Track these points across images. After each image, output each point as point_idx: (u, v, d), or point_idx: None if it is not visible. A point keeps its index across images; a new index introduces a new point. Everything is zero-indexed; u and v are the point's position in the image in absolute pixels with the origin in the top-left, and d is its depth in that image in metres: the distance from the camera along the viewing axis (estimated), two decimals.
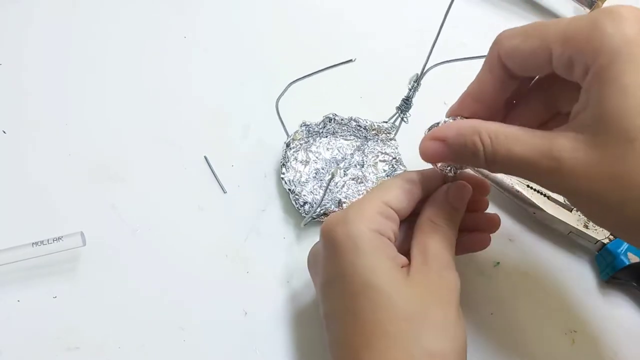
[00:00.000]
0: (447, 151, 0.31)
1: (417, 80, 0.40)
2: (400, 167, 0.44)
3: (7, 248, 0.38)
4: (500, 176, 0.43)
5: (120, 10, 0.53)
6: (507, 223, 0.43)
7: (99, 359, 0.36)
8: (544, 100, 0.33)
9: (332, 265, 0.31)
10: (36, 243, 0.38)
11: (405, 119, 0.43)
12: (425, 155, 0.33)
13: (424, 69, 0.39)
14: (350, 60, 0.40)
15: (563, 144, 0.27)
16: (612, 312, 0.39)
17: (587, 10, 0.53)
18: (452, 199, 0.34)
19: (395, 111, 0.42)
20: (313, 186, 0.42)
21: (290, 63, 0.51)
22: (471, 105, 0.33)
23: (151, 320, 0.38)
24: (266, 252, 0.41)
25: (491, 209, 0.43)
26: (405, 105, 0.42)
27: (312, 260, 0.35)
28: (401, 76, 0.41)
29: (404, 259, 0.32)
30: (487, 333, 0.38)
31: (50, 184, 0.43)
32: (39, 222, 0.41)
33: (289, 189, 0.42)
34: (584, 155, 0.26)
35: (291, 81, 0.44)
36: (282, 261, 0.41)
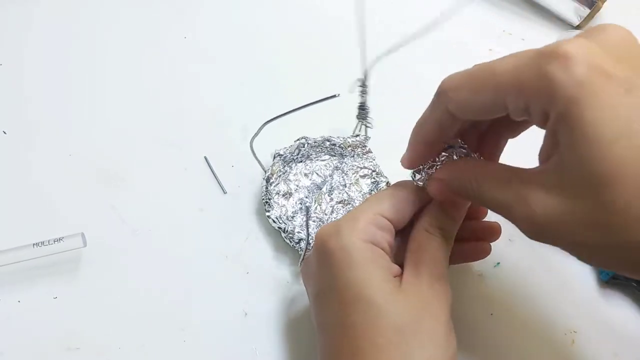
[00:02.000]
0: (448, 191, 0.32)
1: (363, 83, 0.40)
2: (382, 178, 0.43)
3: (8, 249, 0.38)
4: None
5: (121, 10, 0.53)
6: (507, 223, 0.43)
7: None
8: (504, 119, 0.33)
9: (325, 277, 0.31)
10: (37, 244, 0.38)
11: (368, 125, 0.42)
12: (434, 194, 0.33)
13: (365, 70, 0.39)
14: (334, 96, 0.40)
15: (535, 191, 0.26)
16: (612, 312, 0.39)
17: (587, 10, 0.53)
18: (449, 208, 0.33)
19: (356, 121, 0.42)
20: (302, 219, 0.41)
21: (290, 63, 0.51)
22: (425, 150, 0.33)
23: (151, 320, 0.38)
24: (266, 252, 0.41)
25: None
26: (362, 111, 0.42)
27: (305, 270, 0.35)
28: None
29: (397, 268, 0.31)
30: (487, 333, 0.38)
31: (50, 184, 0.43)
32: (39, 222, 0.41)
33: (279, 228, 0.40)
34: (557, 204, 0.25)
35: (268, 119, 0.42)
36: (282, 262, 0.41)
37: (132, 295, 0.39)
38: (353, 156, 0.44)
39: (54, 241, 0.38)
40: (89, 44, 0.51)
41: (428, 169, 0.33)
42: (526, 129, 0.33)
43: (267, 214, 0.40)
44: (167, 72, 0.49)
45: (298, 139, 0.43)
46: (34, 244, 0.38)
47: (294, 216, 0.41)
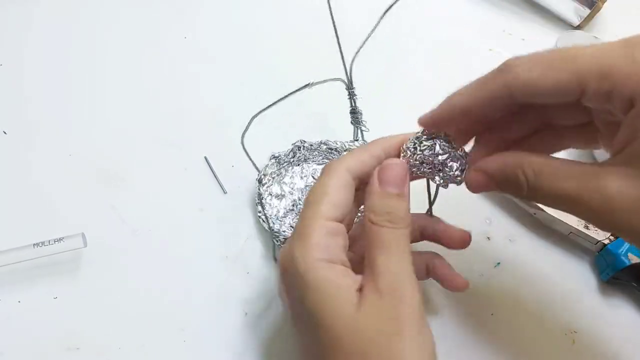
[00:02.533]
0: (491, 183, 0.30)
1: (349, 87, 0.39)
2: None
3: (8, 249, 0.38)
4: None
5: (121, 11, 0.53)
6: (507, 223, 0.43)
7: None
8: (536, 114, 0.32)
9: (290, 302, 0.30)
10: (37, 244, 0.38)
11: (364, 129, 0.42)
12: (472, 187, 0.31)
13: (348, 74, 0.38)
14: (307, 86, 0.38)
15: (613, 180, 0.25)
16: (612, 312, 0.39)
17: (587, 10, 0.53)
18: (386, 184, 0.30)
19: (353, 127, 0.42)
20: (292, 219, 0.41)
21: (291, 63, 0.51)
22: (456, 117, 0.31)
23: (151, 320, 0.38)
24: (266, 252, 0.41)
25: (492, 210, 0.44)
26: (354, 116, 0.41)
27: (279, 290, 0.33)
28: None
29: (358, 280, 0.29)
30: (487, 333, 0.38)
31: (51, 184, 0.43)
32: (40, 223, 0.41)
33: (269, 227, 0.40)
34: (636, 192, 0.25)
35: (257, 112, 0.40)
36: None
37: (132, 295, 0.39)
38: None
39: (55, 241, 0.38)
40: (89, 44, 0.51)
41: (412, 158, 0.31)
42: (563, 148, 0.32)
43: (258, 214, 0.41)
44: (167, 72, 0.49)
45: (295, 142, 0.43)
46: (34, 244, 0.38)
47: (285, 216, 0.41)
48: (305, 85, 0.37)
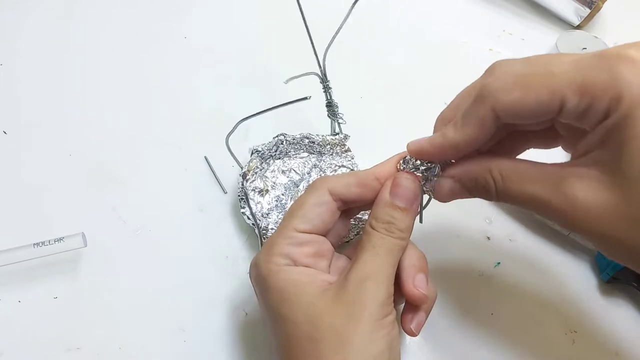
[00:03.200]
0: (458, 188, 0.31)
1: (323, 81, 0.39)
2: None
3: (8, 249, 0.38)
4: None
5: (121, 11, 0.53)
6: (507, 223, 0.43)
7: None
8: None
9: (259, 302, 0.32)
10: (37, 244, 0.38)
11: (340, 121, 0.42)
12: (441, 195, 0.32)
13: (321, 67, 0.38)
14: (305, 98, 0.38)
15: (577, 183, 0.26)
16: (612, 312, 0.39)
17: (587, 10, 0.53)
18: (395, 197, 0.31)
19: (330, 120, 0.42)
20: (277, 216, 0.40)
21: (291, 63, 0.51)
22: (449, 154, 0.31)
23: (152, 321, 0.38)
24: None
25: (492, 210, 0.44)
26: (330, 109, 0.41)
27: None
28: None
29: (324, 279, 0.31)
30: (487, 333, 0.38)
31: (51, 185, 0.43)
32: (40, 223, 0.41)
33: (253, 224, 0.40)
34: (599, 195, 0.26)
35: (243, 117, 0.39)
36: None
37: (132, 295, 0.39)
38: (332, 154, 0.44)
39: (55, 241, 0.38)
40: (89, 44, 0.51)
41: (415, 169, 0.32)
42: (526, 149, 0.33)
43: (242, 210, 0.40)
44: (167, 72, 0.50)
45: (276, 136, 0.43)
46: (34, 244, 0.38)
47: (269, 213, 0.41)
48: (304, 98, 0.38)
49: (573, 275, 0.41)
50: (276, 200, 0.41)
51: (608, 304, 0.40)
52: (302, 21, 0.37)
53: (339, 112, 0.42)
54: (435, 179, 0.32)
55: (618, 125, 0.25)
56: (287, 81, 0.37)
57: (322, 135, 0.44)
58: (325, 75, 0.39)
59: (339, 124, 0.43)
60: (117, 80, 0.49)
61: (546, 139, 0.33)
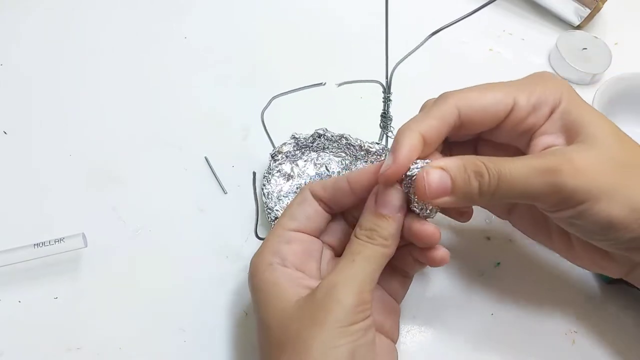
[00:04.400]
0: (450, 183, 0.30)
1: (386, 92, 0.39)
2: None
3: (8, 249, 0.38)
4: None
5: (121, 11, 0.53)
6: (507, 223, 0.43)
7: None
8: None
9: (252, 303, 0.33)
10: (37, 244, 0.38)
11: (390, 134, 0.42)
12: (432, 189, 0.30)
13: (387, 78, 0.38)
14: (321, 84, 0.38)
15: (557, 156, 0.29)
16: (612, 312, 0.39)
17: (588, 10, 0.53)
18: (379, 205, 0.31)
19: (380, 130, 0.42)
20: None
21: (291, 63, 0.51)
22: (415, 146, 0.31)
23: (152, 321, 0.38)
24: None
25: None
26: (384, 120, 0.41)
27: None
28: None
29: (310, 285, 0.31)
30: (487, 333, 0.38)
31: (51, 185, 0.43)
32: (40, 223, 0.41)
33: (265, 202, 0.41)
34: (584, 155, 0.29)
35: (277, 94, 0.39)
36: None
37: (133, 295, 0.39)
38: (366, 161, 0.43)
39: (55, 241, 0.38)
40: (89, 44, 0.51)
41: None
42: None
43: (262, 187, 0.41)
44: (167, 72, 0.50)
45: (318, 129, 0.43)
46: (34, 244, 0.38)
47: (286, 196, 0.41)
48: (319, 84, 0.38)
49: (573, 275, 0.41)
50: (297, 188, 0.42)
51: (608, 304, 0.40)
52: (384, 26, 0.37)
53: (391, 125, 0.42)
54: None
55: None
56: (339, 85, 0.37)
57: (361, 140, 0.43)
58: (389, 86, 0.39)
59: (387, 136, 0.42)
60: (117, 80, 0.49)
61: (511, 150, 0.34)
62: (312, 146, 0.43)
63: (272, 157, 0.42)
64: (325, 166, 0.43)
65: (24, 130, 0.45)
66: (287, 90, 0.39)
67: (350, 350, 0.28)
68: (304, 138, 0.43)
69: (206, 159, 0.45)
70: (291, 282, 0.31)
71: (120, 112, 0.47)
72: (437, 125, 0.31)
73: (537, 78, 0.33)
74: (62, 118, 0.46)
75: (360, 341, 0.28)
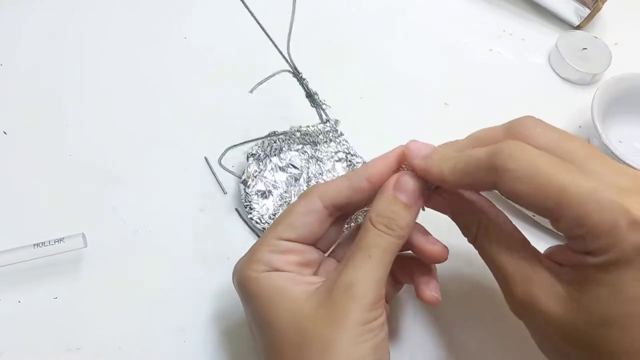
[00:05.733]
0: (447, 211, 0.32)
1: (295, 74, 0.40)
2: (357, 159, 0.43)
3: (8, 249, 0.38)
4: None
5: (121, 11, 0.53)
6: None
7: None
8: None
9: (244, 311, 0.32)
10: (37, 244, 0.38)
11: (324, 107, 0.43)
12: (430, 205, 0.32)
13: (288, 61, 0.39)
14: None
15: (543, 283, 0.28)
16: None
17: (587, 10, 0.53)
18: (398, 190, 0.30)
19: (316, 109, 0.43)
20: None
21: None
22: (433, 177, 0.30)
23: (152, 321, 0.38)
24: None
25: None
26: (311, 99, 0.42)
27: None
28: None
29: (316, 280, 0.30)
30: (487, 333, 0.38)
31: (51, 185, 0.43)
32: (40, 223, 0.41)
33: (263, 228, 0.40)
34: (559, 305, 0.27)
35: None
36: None
37: (132, 295, 0.39)
38: (326, 142, 0.44)
39: (55, 242, 0.38)
40: (89, 44, 0.51)
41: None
42: None
43: (250, 216, 0.40)
44: (167, 72, 0.50)
45: (268, 134, 0.43)
46: (34, 244, 0.38)
47: (275, 214, 0.41)
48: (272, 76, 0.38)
49: None
50: (280, 199, 0.41)
51: None
52: (256, 22, 0.37)
53: (321, 99, 0.42)
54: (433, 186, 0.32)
55: (597, 268, 0.25)
56: (252, 90, 0.38)
57: (314, 125, 0.44)
58: (295, 68, 0.39)
59: (323, 110, 0.43)
60: (117, 80, 0.49)
61: None
62: (271, 153, 0.43)
63: (245, 184, 0.41)
64: (291, 164, 0.42)
65: (24, 130, 0.45)
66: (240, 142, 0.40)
67: (373, 347, 0.28)
68: (262, 150, 0.42)
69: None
70: (293, 282, 0.30)
71: (120, 111, 0.47)
72: (462, 181, 0.29)
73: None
74: (62, 118, 0.46)
75: (380, 336, 0.29)
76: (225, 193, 0.44)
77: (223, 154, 0.41)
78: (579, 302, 0.26)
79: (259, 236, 0.39)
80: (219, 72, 0.50)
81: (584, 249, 0.26)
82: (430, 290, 0.32)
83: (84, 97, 0.48)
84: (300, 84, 0.41)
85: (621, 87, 0.46)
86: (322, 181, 0.41)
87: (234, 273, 0.32)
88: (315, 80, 0.49)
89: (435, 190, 0.32)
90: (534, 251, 0.30)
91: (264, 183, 0.42)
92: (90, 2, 0.53)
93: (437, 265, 0.34)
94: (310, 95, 0.42)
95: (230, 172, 0.42)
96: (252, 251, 0.31)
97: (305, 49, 0.52)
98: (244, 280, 0.30)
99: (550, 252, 0.30)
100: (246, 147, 0.43)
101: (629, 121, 0.47)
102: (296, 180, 0.42)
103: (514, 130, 0.28)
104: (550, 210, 0.26)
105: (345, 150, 0.44)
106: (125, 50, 0.51)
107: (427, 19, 0.56)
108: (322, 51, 0.52)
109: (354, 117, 0.47)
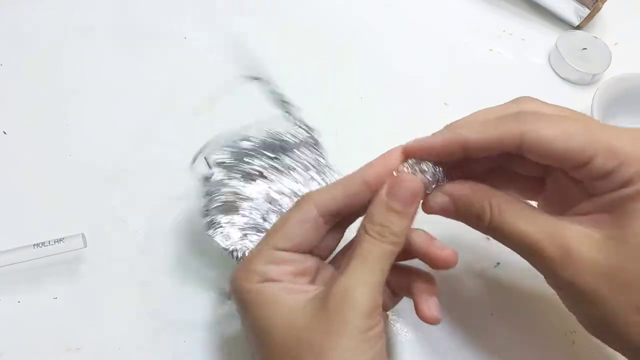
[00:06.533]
0: (452, 208, 0.31)
1: (255, 78, 0.39)
2: (332, 173, 0.39)
3: (8, 249, 0.38)
4: None
5: (121, 11, 0.53)
6: None
7: None
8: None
9: (240, 320, 0.32)
10: (37, 244, 0.38)
11: (291, 111, 0.41)
12: (430, 208, 0.31)
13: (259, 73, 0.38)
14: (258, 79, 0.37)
15: (573, 237, 0.27)
16: None
17: (587, 10, 0.53)
18: (392, 197, 0.29)
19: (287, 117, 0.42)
20: (257, 235, 0.36)
21: (289, 62, 0.51)
22: (458, 150, 0.30)
23: (151, 321, 0.38)
24: None
25: None
26: (283, 104, 0.41)
27: None
28: None
29: (311, 289, 0.30)
30: (487, 333, 0.38)
31: (51, 185, 0.43)
32: (40, 223, 0.41)
33: (229, 252, 0.35)
34: (596, 255, 0.27)
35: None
36: None
37: (132, 295, 0.39)
38: (299, 149, 0.40)
39: (55, 241, 0.38)
40: (89, 43, 0.51)
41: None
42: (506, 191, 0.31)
43: (213, 236, 0.36)
44: (167, 72, 0.50)
45: (233, 140, 0.39)
46: (34, 245, 0.38)
47: (246, 233, 0.36)
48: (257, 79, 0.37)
49: None
50: (250, 214, 0.37)
51: None
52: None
53: (286, 100, 0.41)
54: (433, 187, 0.31)
55: (633, 198, 0.26)
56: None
57: (290, 134, 0.40)
58: (257, 77, 0.39)
59: (291, 114, 0.41)
60: (117, 80, 0.49)
61: (530, 187, 0.33)
62: (237, 164, 0.38)
63: (209, 195, 0.37)
64: (261, 175, 0.38)
65: (24, 130, 0.45)
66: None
67: (371, 357, 0.27)
68: (227, 158, 0.38)
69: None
70: (289, 291, 0.29)
71: (120, 111, 0.47)
72: (488, 139, 0.29)
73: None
74: (62, 118, 0.46)
75: (378, 345, 0.28)
76: None
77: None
78: (618, 240, 0.26)
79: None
80: (219, 71, 0.50)
81: (618, 181, 0.27)
82: (430, 309, 0.32)
83: (84, 97, 0.48)
84: (272, 94, 0.40)
85: (621, 87, 0.46)
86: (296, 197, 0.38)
87: (230, 282, 0.32)
88: (315, 80, 0.49)
89: (435, 189, 0.32)
90: (553, 213, 0.29)
91: (233, 195, 0.37)
92: (90, 2, 0.53)
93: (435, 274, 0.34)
94: (284, 101, 0.41)
95: (205, 171, 0.41)
96: (248, 261, 0.31)
97: (306, 49, 0.52)
98: (239, 290, 0.30)
99: (570, 211, 0.30)
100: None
101: (629, 121, 0.47)
102: (270, 202, 0.37)
103: (520, 101, 0.30)
104: (582, 150, 0.27)
105: (319, 162, 0.39)
106: (125, 50, 0.51)
107: (427, 19, 0.56)
108: (322, 51, 0.52)
109: (354, 117, 0.47)
